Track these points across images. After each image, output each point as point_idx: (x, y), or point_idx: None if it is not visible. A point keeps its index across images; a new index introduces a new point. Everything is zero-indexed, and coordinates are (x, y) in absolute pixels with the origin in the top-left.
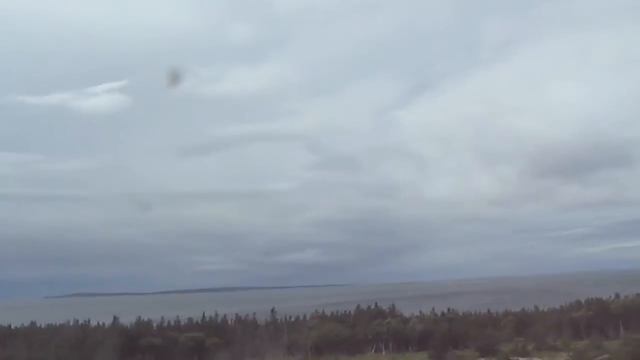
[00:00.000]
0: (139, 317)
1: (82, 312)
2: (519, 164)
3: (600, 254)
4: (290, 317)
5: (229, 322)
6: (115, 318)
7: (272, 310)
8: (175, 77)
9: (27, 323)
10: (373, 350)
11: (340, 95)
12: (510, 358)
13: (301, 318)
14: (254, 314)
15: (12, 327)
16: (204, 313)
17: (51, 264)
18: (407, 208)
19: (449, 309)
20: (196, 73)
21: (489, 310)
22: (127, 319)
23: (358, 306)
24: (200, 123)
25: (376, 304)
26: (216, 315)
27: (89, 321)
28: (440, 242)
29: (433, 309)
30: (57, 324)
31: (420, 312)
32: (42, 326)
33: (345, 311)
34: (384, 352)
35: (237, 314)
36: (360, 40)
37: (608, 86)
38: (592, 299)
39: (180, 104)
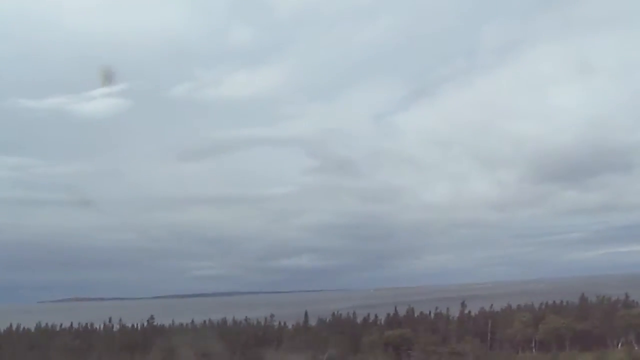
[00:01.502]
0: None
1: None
2: (518, 169)
3: (594, 258)
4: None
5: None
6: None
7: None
8: (108, 77)
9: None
10: (620, 345)
11: (340, 100)
12: None
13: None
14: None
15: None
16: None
17: (47, 269)
18: (406, 213)
19: None
20: (196, 77)
21: None
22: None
23: (582, 295)
24: (199, 127)
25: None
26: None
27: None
28: (437, 247)
29: None
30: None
31: None
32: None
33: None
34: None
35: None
36: (360, 44)
37: (609, 91)
38: None
39: (179, 108)
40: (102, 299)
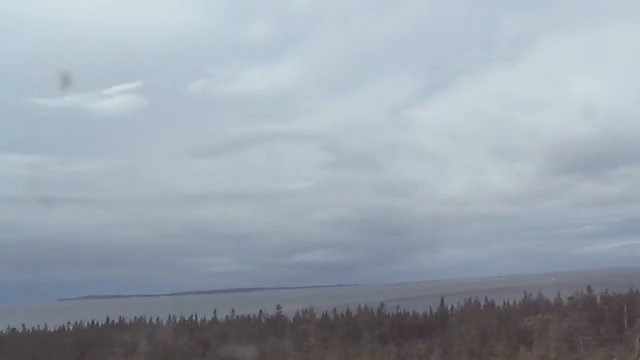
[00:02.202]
0: None
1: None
2: (535, 161)
3: (613, 251)
4: None
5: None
6: None
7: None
8: (66, 81)
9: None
10: None
11: (355, 94)
12: None
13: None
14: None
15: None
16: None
17: (64, 267)
18: (421, 206)
19: None
20: (212, 73)
21: None
22: None
23: None
24: (214, 123)
25: None
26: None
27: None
28: (453, 240)
29: None
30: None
31: None
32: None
33: None
34: None
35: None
36: (377, 37)
37: (629, 81)
38: None
39: (195, 105)
40: (119, 296)
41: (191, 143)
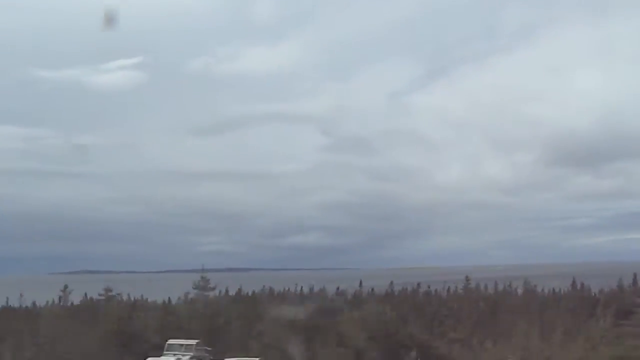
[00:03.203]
0: None
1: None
2: (532, 153)
3: (602, 245)
4: None
5: None
6: None
7: None
8: (110, 19)
9: None
10: None
11: (355, 78)
12: None
13: None
14: None
15: None
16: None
17: (57, 241)
18: (416, 193)
19: None
20: (213, 51)
21: None
22: None
23: None
24: (213, 102)
25: None
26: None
27: None
28: (446, 228)
29: None
30: None
31: None
32: None
33: None
34: None
35: None
36: (379, 22)
37: (631, 75)
38: None
39: (195, 82)
40: (111, 272)
41: (189, 121)
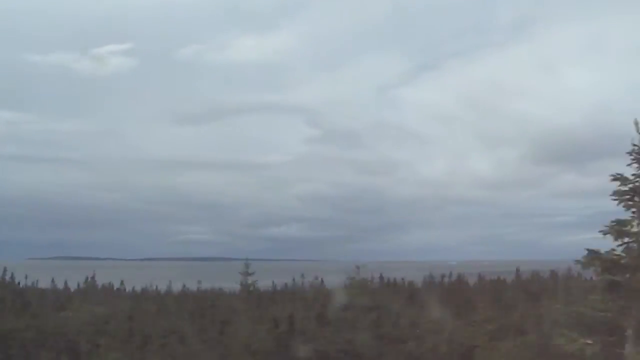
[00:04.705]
0: None
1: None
2: (519, 150)
3: (582, 243)
4: None
5: None
6: None
7: None
8: None
9: None
10: None
11: (345, 70)
12: None
13: None
14: None
15: None
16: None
17: (38, 226)
18: (401, 187)
19: None
20: (204, 39)
21: None
22: None
23: None
24: (202, 91)
25: None
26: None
27: None
28: (430, 222)
29: None
30: None
31: None
32: None
33: None
34: None
35: None
36: (370, 15)
37: (620, 74)
38: None
39: (184, 71)
40: (91, 259)
41: (176, 109)
